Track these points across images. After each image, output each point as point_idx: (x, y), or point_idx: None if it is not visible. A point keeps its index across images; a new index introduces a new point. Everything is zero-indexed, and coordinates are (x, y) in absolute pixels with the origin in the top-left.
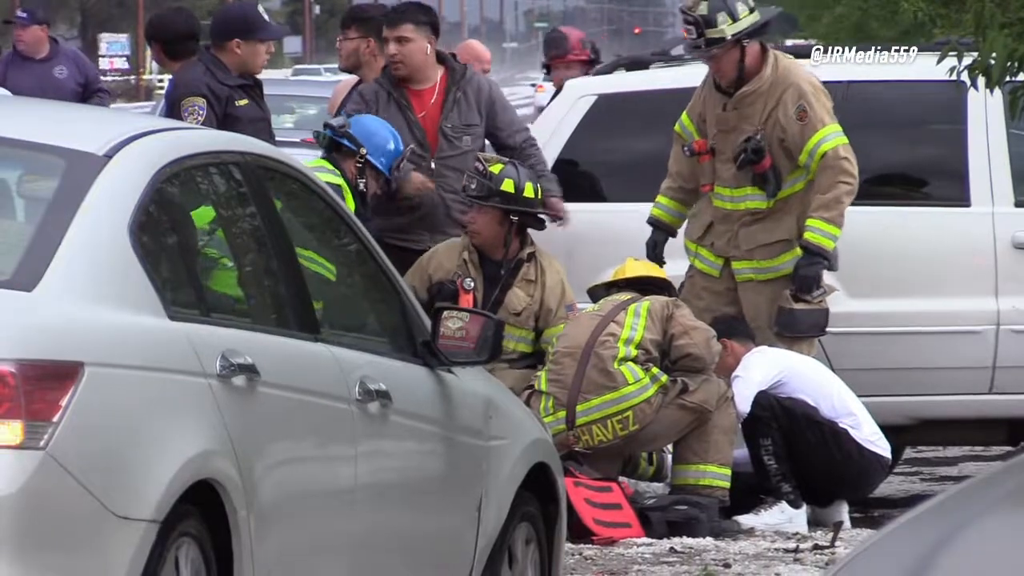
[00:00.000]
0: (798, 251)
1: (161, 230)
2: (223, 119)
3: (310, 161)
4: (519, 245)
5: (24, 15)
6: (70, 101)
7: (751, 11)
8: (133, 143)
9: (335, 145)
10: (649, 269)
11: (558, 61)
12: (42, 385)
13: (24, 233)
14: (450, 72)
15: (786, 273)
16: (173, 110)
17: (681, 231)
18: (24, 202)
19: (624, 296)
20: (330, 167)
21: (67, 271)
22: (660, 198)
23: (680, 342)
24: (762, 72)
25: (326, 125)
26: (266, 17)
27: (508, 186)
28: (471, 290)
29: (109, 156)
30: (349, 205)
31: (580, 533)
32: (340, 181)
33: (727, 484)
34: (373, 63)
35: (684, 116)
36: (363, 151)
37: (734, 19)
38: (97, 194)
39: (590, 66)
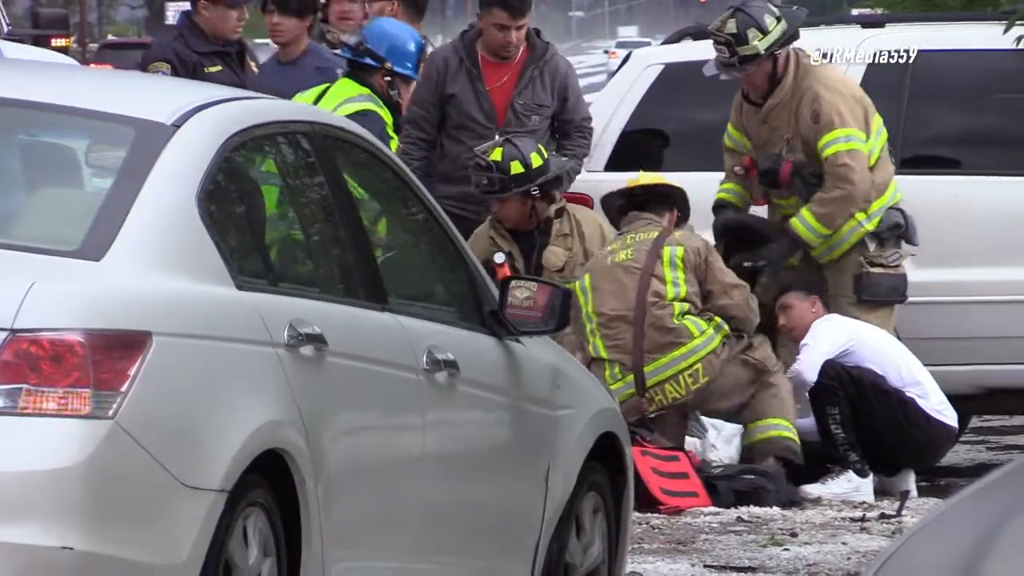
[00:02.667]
0: (859, 215)
1: (229, 199)
2: None
3: (338, 86)
4: (545, 206)
5: None
6: None
7: (778, 20)
8: (201, 112)
9: (357, 65)
10: (662, 179)
11: None
12: (110, 354)
13: (93, 203)
14: (532, 49)
15: (854, 242)
16: None
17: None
18: (93, 171)
19: (651, 233)
20: (358, 90)
21: (135, 241)
22: (725, 183)
23: (721, 302)
24: (783, 81)
25: (340, 44)
26: None
27: (517, 168)
28: (503, 263)
29: (177, 125)
30: (387, 119)
31: (647, 502)
32: (371, 106)
33: (796, 437)
34: None
35: (731, 129)
36: (388, 64)
37: (764, 33)
38: (165, 163)
39: None
